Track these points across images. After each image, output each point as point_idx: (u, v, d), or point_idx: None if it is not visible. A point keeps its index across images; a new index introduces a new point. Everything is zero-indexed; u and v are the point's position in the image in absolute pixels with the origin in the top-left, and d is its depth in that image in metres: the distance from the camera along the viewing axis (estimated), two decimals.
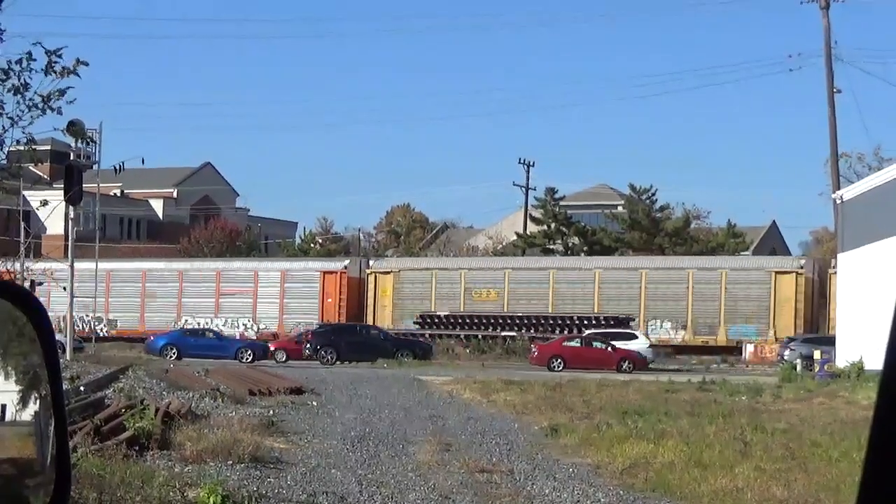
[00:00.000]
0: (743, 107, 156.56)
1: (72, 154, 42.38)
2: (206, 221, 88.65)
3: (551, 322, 59.19)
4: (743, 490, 14.26)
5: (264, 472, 15.27)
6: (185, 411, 20.37)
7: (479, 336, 60.06)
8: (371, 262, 66.62)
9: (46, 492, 2.91)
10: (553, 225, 77.65)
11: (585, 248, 74.86)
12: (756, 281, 58.36)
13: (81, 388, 22.60)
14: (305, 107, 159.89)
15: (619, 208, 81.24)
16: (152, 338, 54.68)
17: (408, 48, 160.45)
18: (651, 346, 51.87)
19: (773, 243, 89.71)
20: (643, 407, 25.57)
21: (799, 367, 41.95)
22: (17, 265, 31.25)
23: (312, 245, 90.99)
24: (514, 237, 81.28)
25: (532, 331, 58.65)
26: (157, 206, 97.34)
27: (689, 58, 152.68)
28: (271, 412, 23.26)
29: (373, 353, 49.02)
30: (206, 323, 61.52)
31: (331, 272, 64.13)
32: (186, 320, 63.80)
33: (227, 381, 30.38)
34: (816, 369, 39.84)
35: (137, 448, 15.53)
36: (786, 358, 46.19)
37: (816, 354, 41.77)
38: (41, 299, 3.38)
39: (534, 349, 49.36)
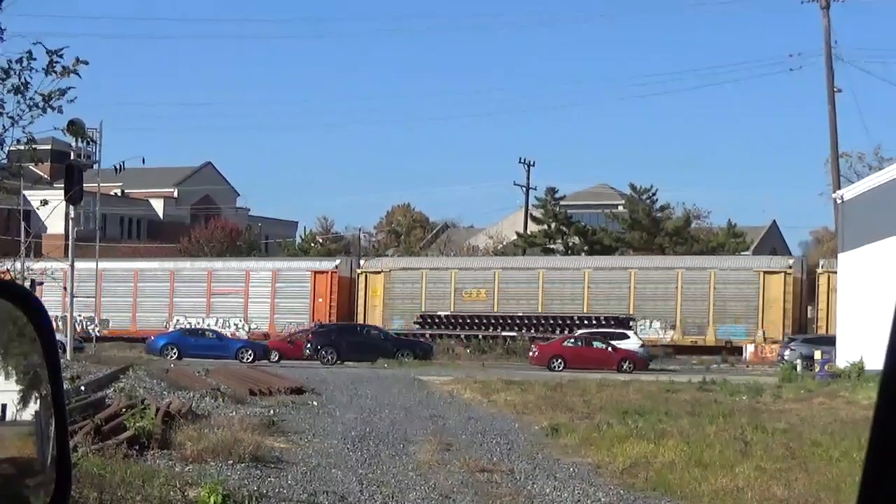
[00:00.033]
0: (743, 107, 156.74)
1: (72, 154, 42.40)
2: (206, 221, 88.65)
3: (551, 322, 59.20)
4: (743, 490, 14.26)
5: (265, 471, 15.28)
6: (186, 411, 20.37)
7: (480, 336, 60.12)
8: (362, 262, 66.80)
9: (47, 491, 2.91)
10: (553, 225, 77.66)
11: (586, 248, 74.86)
12: (744, 281, 58.56)
13: (82, 388, 22.60)
14: (305, 107, 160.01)
15: (620, 208, 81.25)
16: (152, 338, 54.74)
17: (408, 48, 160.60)
18: (643, 345, 51.89)
19: (773, 243, 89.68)
20: (643, 407, 25.57)
21: (799, 367, 41.96)
22: (18, 265, 31.23)
23: (313, 245, 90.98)
24: (515, 237, 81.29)
25: (532, 331, 58.65)
26: (158, 205, 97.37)
27: (689, 58, 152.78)
28: (272, 412, 23.27)
29: (373, 353, 49.03)
30: (198, 323, 61.66)
31: (322, 272, 64.27)
32: (178, 320, 63.99)
33: (227, 380, 30.38)
34: (817, 369, 39.86)
35: (138, 448, 15.54)
36: (786, 358, 46.20)
37: (817, 354, 41.79)
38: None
39: (534, 349, 49.36)
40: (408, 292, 63.61)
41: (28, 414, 3.04)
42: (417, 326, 61.56)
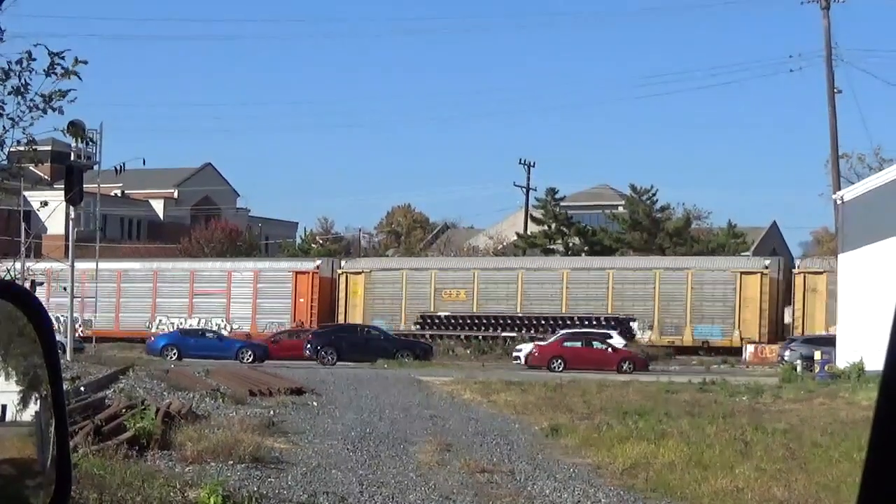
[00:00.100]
0: (744, 107, 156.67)
1: (72, 154, 42.40)
2: (206, 222, 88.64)
3: (552, 322, 59.22)
4: (743, 490, 14.26)
5: (265, 472, 15.28)
6: (186, 412, 20.38)
7: (480, 337, 60.18)
8: (343, 263, 66.91)
9: (47, 492, 2.91)
10: (553, 225, 77.67)
11: (586, 249, 74.87)
12: (721, 281, 58.70)
13: (82, 389, 22.60)
14: (306, 107, 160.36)
15: (620, 208, 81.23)
16: (153, 338, 54.82)
17: (408, 48, 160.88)
18: (625, 346, 51.88)
19: (773, 243, 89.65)
20: (643, 407, 25.57)
21: (799, 368, 41.94)
22: (18, 265, 31.22)
23: (313, 245, 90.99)
24: (515, 237, 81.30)
25: (533, 331, 58.72)
26: (158, 206, 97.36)
27: (689, 58, 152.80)
28: (272, 412, 23.27)
29: (373, 354, 49.05)
30: (181, 323, 61.78)
31: (303, 272, 64.42)
32: (161, 321, 64.10)
33: (227, 381, 30.39)
34: (817, 370, 39.85)
35: (138, 448, 15.54)
36: (786, 358, 46.20)
37: (817, 355, 41.76)
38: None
39: (534, 350, 49.37)
40: (388, 293, 63.80)
41: (28, 415, 3.04)
42: (418, 327, 61.64)
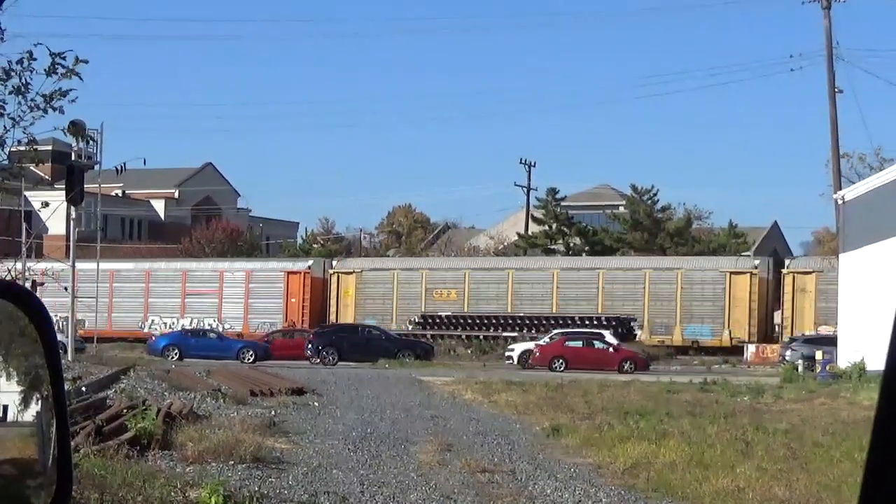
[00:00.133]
0: (744, 107, 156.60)
1: (73, 154, 42.36)
2: (207, 222, 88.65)
3: (552, 322, 59.23)
4: (744, 490, 14.26)
5: (266, 472, 15.28)
6: (187, 412, 20.38)
7: (481, 336, 60.21)
8: (334, 263, 67.01)
9: (48, 492, 2.91)
10: (554, 225, 77.68)
11: (587, 249, 74.88)
12: (711, 281, 58.85)
13: (83, 389, 22.60)
14: (306, 107, 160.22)
15: (621, 209, 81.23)
16: (153, 338, 54.88)
17: (408, 48, 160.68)
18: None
19: (774, 244, 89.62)
20: (644, 407, 25.57)
21: (801, 368, 41.95)
22: (19, 265, 31.21)
23: (314, 246, 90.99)
24: (516, 238, 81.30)
25: (534, 331, 58.74)
26: (159, 206, 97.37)
27: (690, 58, 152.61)
28: (273, 413, 23.27)
29: (374, 354, 49.06)
30: (173, 323, 61.78)
31: (294, 272, 64.57)
32: (153, 321, 64.13)
33: (228, 381, 30.40)
34: (818, 370, 39.86)
35: (139, 448, 15.55)
36: (787, 358, 46.20)
37: (818, 355, 41.77)
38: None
39: (535, 350, 49.39)
40: (379, 292, 63.94)
41: (29, 415, 3.04)
42: (419, 327, 61.67)
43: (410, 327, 61.53)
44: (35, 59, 11.51)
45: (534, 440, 20.56)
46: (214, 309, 64.67)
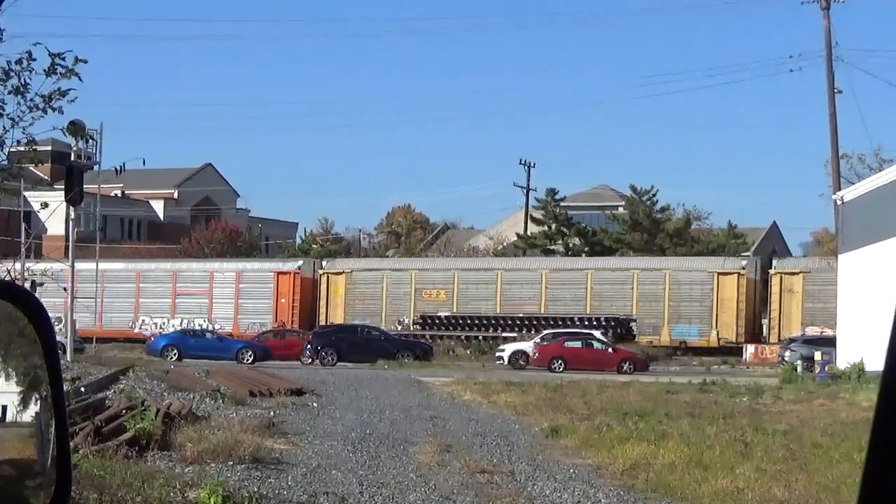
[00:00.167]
0: (744, 107, 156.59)
1: (72, 154, 42.39)
2: (206, 222, 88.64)
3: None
4: (744, 491, 14.27)
5: (265, 472, 15.28)
6: (186, 412, 20.37)
7: (480, 337, 60.19)
8: (324, 263, 67.01)
9: (47, 493, 2.91)
10: (554, 226, 77.68)
11: (586, 249, 74.87)
12: (699, 282, 58.93)
13: (82, 389, 22.60)
14: (306, 107, 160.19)
15: (620, 209, 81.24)
16: (153, 338, 54.89)
17: (408, 48, 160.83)
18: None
19: (773, 244, 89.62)
20: (644, 408, 25.57)
21: (800, 369, 41.95)
22: (18, 265, 31.22)
23: (313, 246, 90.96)
24: (516, 238, 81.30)
25: (533, 331, 58.66)
26: (158, 206, 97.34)
27: (689, 58, 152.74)
28: (272, 413, 23.26)
29: (373, 354, 49.04)
30: (163, 323, 61.72)
31: (284, 273, 64.59)
32: (143, 321, 64.08)
33: (227, 382, 30.39)
34: (817, 370, 39.85)
35: (138, 449, 15.54)
36: (786, 359, 46.21)
37: (817, 356, 41.77)
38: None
39: (535, 350, 49.39)
40: (369, 293, 64.02)
41: (28, 415, 3.04)
42: (419, 327, 61.65)
43: (400, 328, 61.53)
44: (34, 60, 11.52)
45: (533, 441, 20.56)
46: (205, 309, 64.63)
